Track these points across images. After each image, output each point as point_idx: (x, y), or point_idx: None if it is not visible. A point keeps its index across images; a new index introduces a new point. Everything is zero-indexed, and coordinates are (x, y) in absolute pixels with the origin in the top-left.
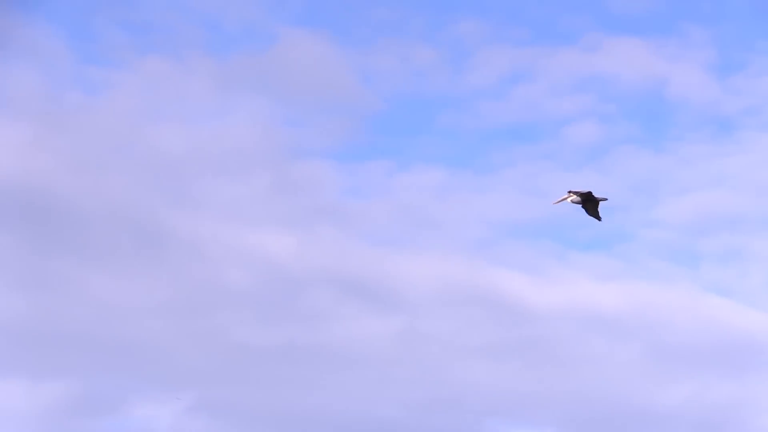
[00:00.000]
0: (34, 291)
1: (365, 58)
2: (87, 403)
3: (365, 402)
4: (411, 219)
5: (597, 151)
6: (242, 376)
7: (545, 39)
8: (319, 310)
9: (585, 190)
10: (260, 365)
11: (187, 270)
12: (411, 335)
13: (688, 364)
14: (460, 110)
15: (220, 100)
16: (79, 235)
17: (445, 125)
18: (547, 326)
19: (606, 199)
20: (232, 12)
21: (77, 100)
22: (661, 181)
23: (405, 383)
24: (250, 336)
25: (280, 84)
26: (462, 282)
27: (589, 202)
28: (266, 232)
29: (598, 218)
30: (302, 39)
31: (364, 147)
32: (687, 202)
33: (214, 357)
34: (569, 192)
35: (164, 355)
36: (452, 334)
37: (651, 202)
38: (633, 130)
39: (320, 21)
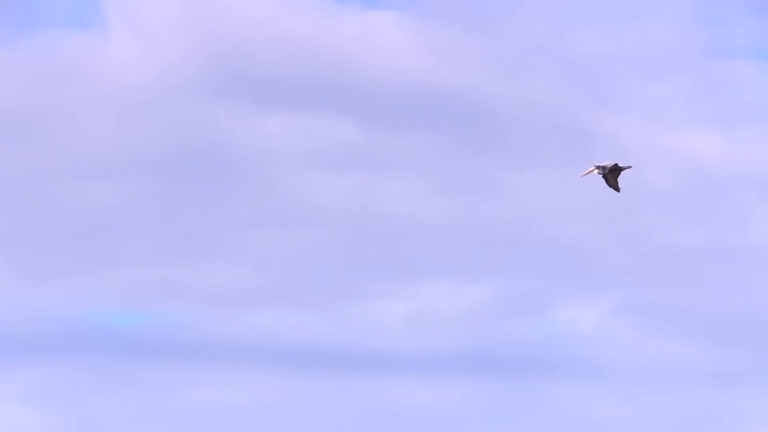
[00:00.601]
0: (461, 194)
1: None
2: (512, 305)
3: None
4: None
5: None
6: (667, 277)
7: None
8: (745, 211)
9: (611, 163)
10: (685, 266)
11: None
12: None
13: None
14: None
15: (643, 0)
16: (503, 137)
17: None
18: None
19: (631, 167)
20: None
21: (500, 3)
22: None
23: None
24: (675, 236)
25: None
26: None
27: (612, 173)
28: (689, 133)
29: (617, 189)
30: None
31: None
32: None
33: (638, 258)
34: (595, 166)
35: (589, 257)
36: None
37: None
38: None
39: None
